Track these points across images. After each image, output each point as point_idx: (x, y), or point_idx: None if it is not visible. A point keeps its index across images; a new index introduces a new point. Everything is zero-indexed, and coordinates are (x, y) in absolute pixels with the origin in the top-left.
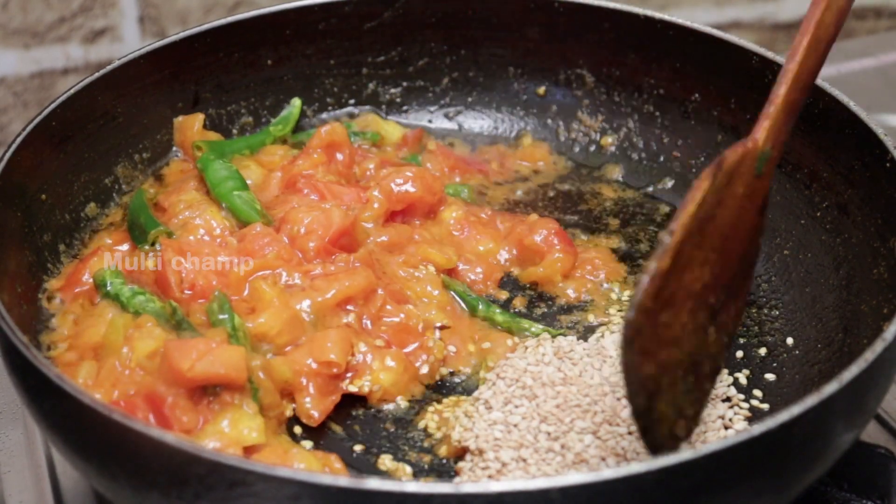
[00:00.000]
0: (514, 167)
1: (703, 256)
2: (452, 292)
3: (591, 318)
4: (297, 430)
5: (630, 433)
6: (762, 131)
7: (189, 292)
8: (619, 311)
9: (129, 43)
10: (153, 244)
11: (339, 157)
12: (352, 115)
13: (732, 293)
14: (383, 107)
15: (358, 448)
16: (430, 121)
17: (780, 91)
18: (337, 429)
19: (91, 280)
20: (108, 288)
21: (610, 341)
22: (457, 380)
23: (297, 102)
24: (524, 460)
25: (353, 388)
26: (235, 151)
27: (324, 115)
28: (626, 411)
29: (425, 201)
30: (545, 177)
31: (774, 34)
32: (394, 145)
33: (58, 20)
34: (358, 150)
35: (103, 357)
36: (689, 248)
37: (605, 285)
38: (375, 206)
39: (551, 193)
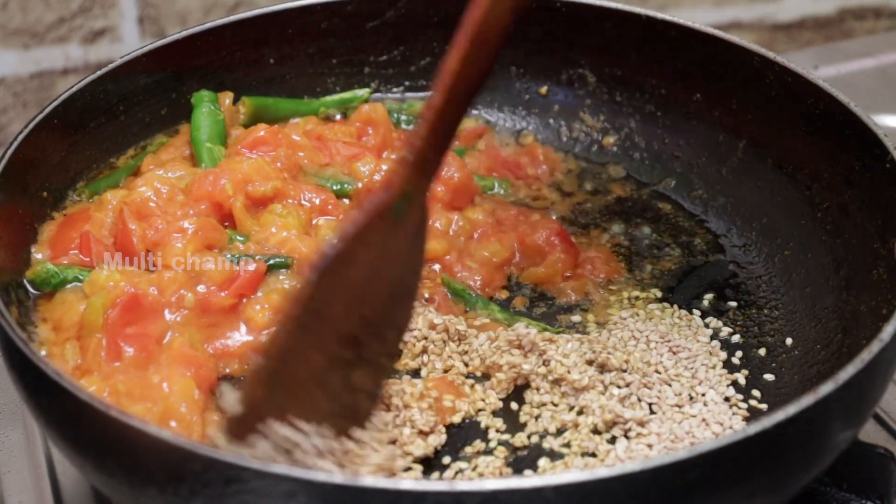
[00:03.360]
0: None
1: (320, 335)
2: (448, 290)
3: (591, 318)
4: None
5: None
6: (395, 183)
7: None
8: (619, 310)
9: (129, 43)
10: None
11: (371, 131)
12: (424, 100)
13: (379, 330)
14: None
15: None
16: None
17: (415, 140)
18: None
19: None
20: (56, 277)
21: None
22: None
23: (364, 91)
24: None
25: None
26: (282, 114)
27: (403, 96)
28: None
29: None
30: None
31: (774, 34)
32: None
33: (57, 20)
34: (403, 133)
35: (85, 336)
36: (297, 348)
37: (606, 285)
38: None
39: (552, 193)
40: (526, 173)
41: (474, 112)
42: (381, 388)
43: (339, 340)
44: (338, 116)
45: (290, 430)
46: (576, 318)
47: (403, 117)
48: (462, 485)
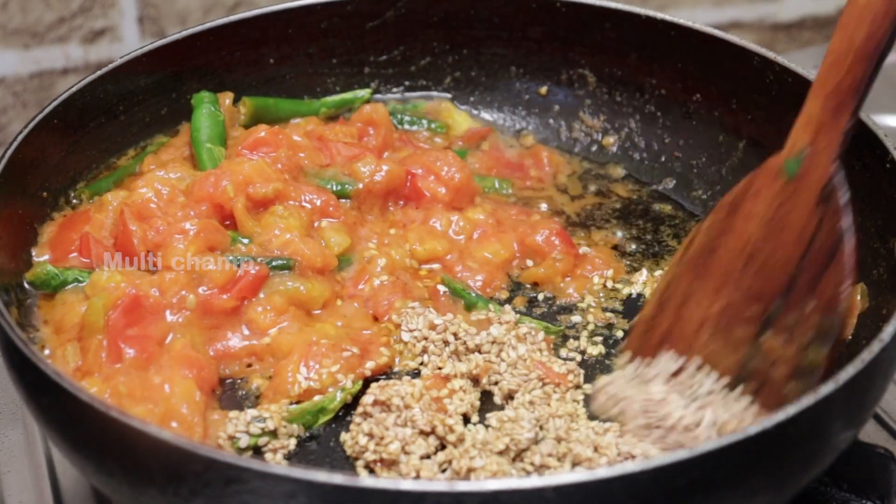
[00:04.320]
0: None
1: (713, 285)
2: (449, 289)
3: (591, 318)
4: None
5: None
6: (792, 135)
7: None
8: (619, 310)
9: (129, 43)
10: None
11: (371, 132)
12: (428, 100)
13: (792, 298)
14: None
15: None
16: None
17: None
18: None
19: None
20: (56, 279)
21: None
22: None
23: (365, 92)
24: None
25: None
26: (282, 114)
27: (403, 96)
28: None
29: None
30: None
31: (774, 34)
32: (457, 137)
33: (57, 20)
34: (404, 134)
35: (85, 338)
36: (683, 286)
37: (606, 285)
38: (364, 168)
39: (553, 193)
40: (528, 174)
41: (474, 112)
42: (804, 370)
43: (741, 293)
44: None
45: (678, 363)
46: (576, 318)
47: (407, 118)
48: (462, 485)
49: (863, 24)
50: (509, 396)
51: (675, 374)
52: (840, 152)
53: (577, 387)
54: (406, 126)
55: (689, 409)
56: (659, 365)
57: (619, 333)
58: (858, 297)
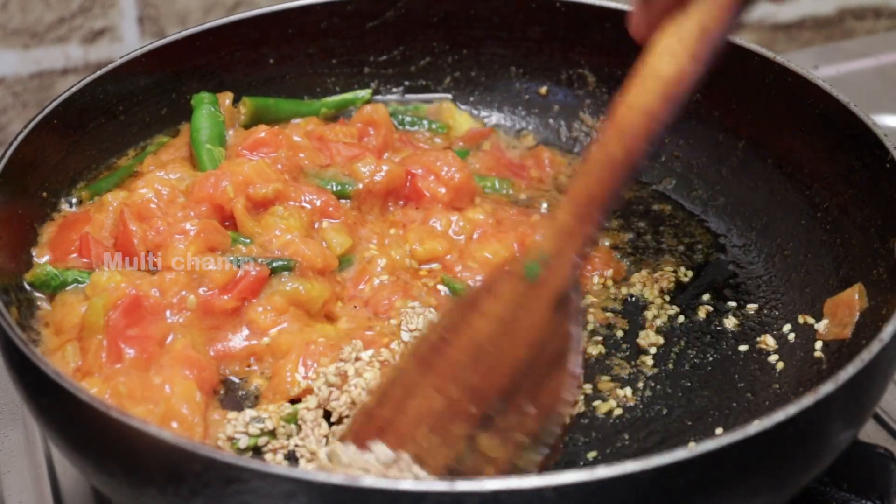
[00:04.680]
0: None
1: (437, 381)
2: (449, 289)
3: (591, 318)
4: None
5: None
6: (539, 240)
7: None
8: (619, 310)
9: (129, 43)
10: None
11: (372, 132)
12: (428, 101)
13: (514, 399)
14: None
15: None
16: None
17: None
18: None
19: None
20: (56, 280)
21: None
22: None
23: (366, 92)
24: None
25: None
26: (282, 115)
27: (403, 97)
28: None
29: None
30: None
31: (774, 34)
32: (458, 137)
33: (57, 20)
34: (405, 134)
35: (85, 338)
36: (409, 380)
37: (606, 285)
38: (365, 169)
39: (553, 193)
40: (529, 175)
41: (474, 112)
42: (511, 467)
43: (464, 391)
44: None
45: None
46: None
47: (408, 118)
48: (462, 485)
49: (622, 141)
50: None
51: (390, 466)
52: (579, 260)
53: (577, 388)
54: (407, 126)
55: None
56: (374, 455)
57: (620, 333)
58: (857, 296)
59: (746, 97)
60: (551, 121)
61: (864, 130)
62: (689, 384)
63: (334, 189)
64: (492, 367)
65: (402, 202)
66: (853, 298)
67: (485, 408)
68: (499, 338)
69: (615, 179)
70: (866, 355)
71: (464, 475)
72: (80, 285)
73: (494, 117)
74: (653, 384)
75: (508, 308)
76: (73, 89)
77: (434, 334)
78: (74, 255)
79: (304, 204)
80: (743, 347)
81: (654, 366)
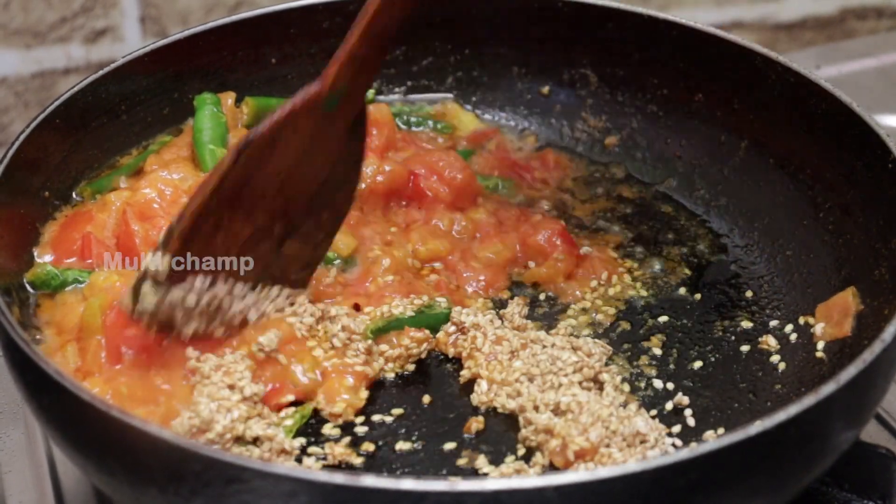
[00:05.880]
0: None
1: (243, 214)
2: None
3: (592, 318)
4: None
5: None
6: (329, 77)
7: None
8: (621, 310)
9: (131, 43)
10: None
11: (374, 132)
12: (432, 102)
13: (313, 210)
14: None
15: None
16: None
17: (350, 40)
18: None
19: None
20: (56, 279)
21: None
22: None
23: (368, 92)
24: None
25: None
26: None
27: (406, 97)
28: None
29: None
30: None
31: (776, 34)
32: (462, 137)
33: (59, 20)
34: (408, 134)
35: (84, 339)
36: (213, 220)
37: (607, 285)
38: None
39: (555, 193)
40: (532, 175)
41: (476, 112)
42: (314, 259)
43: (269, 215)
44: None
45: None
46: (576, 318)
47: (413, 118)
48: (463, 485)
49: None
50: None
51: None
52: (370, 84)
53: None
54: (412, 127)
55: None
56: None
57: (621, 334)
58: (851, 298)
59: (748, 97)
60: (553, 120)
61: (866, 130)
62: (690, 384)
63: None
64: (296, 191)
65: (404, 202)
66: (847, 301)
67: (289, 224)
68: (300, 164)
69: (407, 8)
70: (868, 356)
71: (272, 282)
72: (80, 285)
73: (496, 117)
74: (654, 384)
75: (308, 139)
76: (75, 89)
77: (237, 173)
78: (76, 255)
79: None
80: (745, 348)
81: (656, 366)
